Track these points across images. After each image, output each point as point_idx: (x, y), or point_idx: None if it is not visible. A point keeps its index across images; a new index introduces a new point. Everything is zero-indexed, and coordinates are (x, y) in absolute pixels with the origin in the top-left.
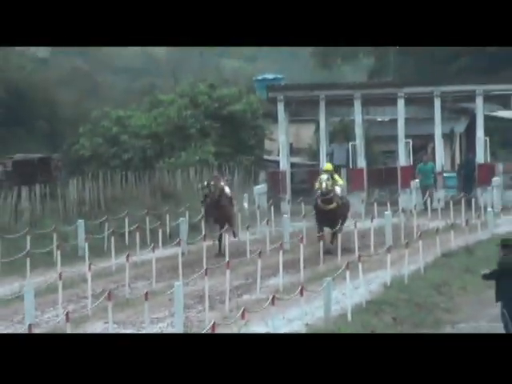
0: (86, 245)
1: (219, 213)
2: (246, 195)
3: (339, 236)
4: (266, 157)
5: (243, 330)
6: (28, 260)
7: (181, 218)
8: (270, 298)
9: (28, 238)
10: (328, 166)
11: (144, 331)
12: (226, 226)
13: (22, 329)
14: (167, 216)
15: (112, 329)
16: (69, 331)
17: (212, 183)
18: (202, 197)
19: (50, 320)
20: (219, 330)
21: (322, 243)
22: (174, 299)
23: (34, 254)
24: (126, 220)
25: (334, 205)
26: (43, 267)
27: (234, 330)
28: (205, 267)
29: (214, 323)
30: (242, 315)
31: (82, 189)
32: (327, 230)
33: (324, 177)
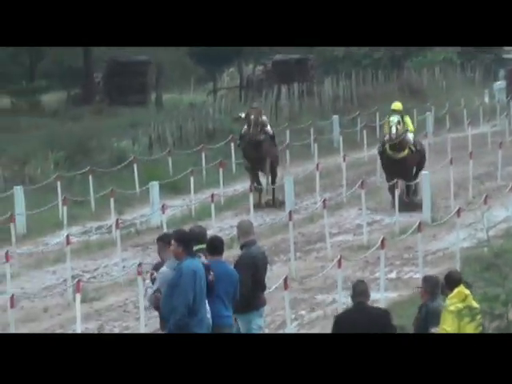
0: (341, 138)
1: (261, 154)
2: (486, 91)
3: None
4: (505, 55)
5: (486, 215)
6: (287, 152)
7: (427, 113)
8: (510, 184)
9: (287, 132)
10: (397, 105)
11: (395, 216)
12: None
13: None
14: (414, 110)
15: (365, 214)
16: (325, 217)
17: (252, 117)
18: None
19: (309, 207)
20: (463, 215)
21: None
22: (422, 187)
23: (293, 146)
24: (377, 114)
25: (405, 152)
26: (301, 159)
27: (478, 214)
28: (449, 157)
29: (460, 209)
30: (485, 201)
31: (336, 87)
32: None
33: (394, 119)
